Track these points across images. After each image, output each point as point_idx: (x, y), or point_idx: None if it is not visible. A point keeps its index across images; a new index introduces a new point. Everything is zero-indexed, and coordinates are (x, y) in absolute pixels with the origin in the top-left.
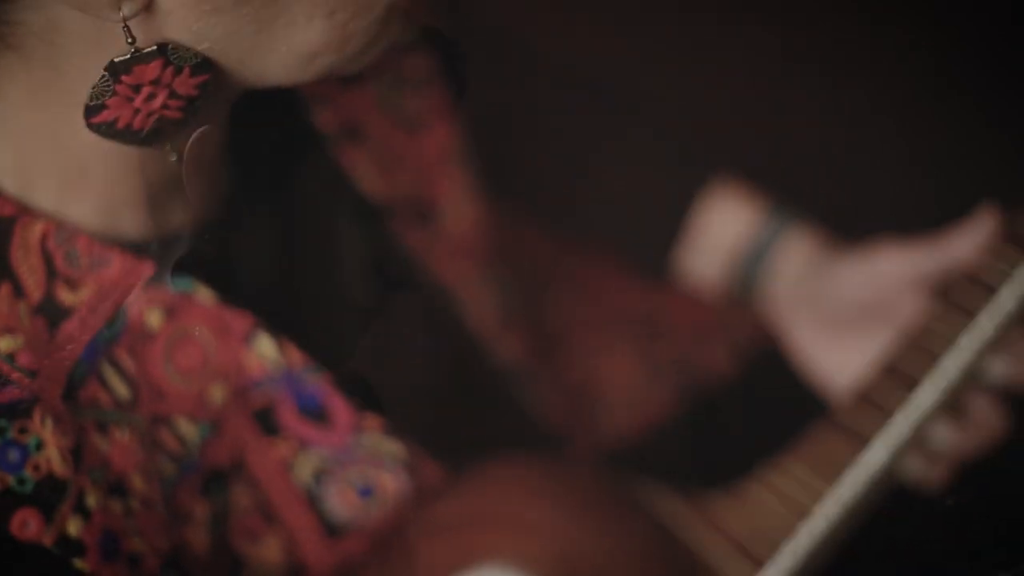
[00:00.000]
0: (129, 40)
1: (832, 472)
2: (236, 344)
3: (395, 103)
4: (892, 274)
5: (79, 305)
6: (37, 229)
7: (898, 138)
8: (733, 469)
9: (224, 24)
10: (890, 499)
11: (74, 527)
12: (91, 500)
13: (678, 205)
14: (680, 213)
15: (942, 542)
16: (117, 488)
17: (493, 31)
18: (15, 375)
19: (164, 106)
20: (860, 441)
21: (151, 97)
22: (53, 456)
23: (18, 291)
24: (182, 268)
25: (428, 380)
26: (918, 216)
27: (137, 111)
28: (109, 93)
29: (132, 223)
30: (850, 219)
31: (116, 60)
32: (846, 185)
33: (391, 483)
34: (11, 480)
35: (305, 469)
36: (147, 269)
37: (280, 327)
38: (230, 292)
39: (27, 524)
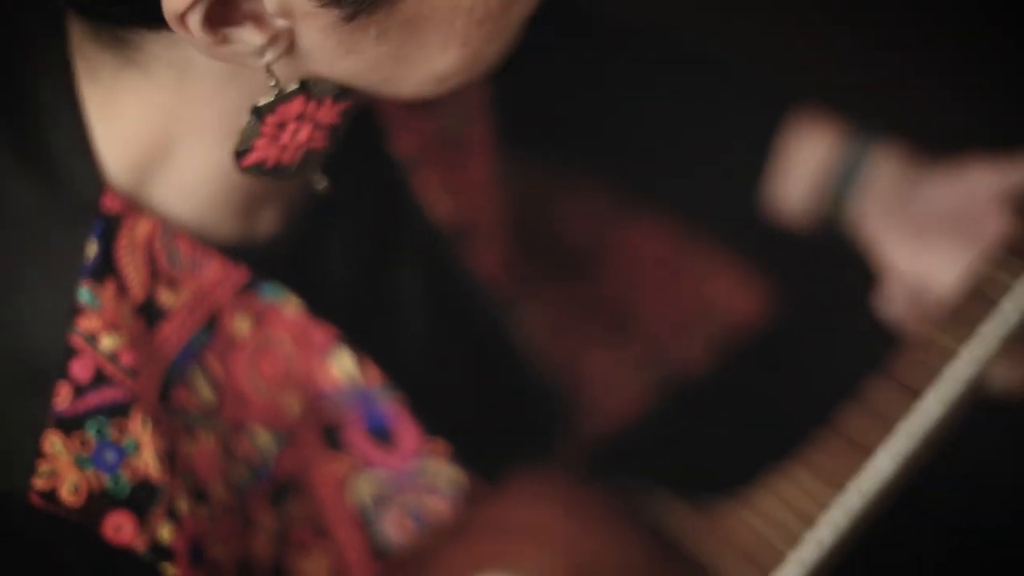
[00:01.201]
0: (272, 83)
1: (838, 480)
2: (316, 356)
3: (453, 128)
4: (980, 187)
5: (178, 307)
6: (144, 227)
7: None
8: (712, 462)
9: (363, 60)
10: (895, 507)
11: (166, 532)
12: (182, 505)
13: (763, 135)
14: (766, 143)
15: (947, 551)
16: (201, 494)
17: None
18: (117, 374)
19: (310, 138)
20: (865, 449)
21: (296, 132)
22: (149, 459)
23: (122, 289)
24: (274, 276)
25: (473, 388)
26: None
27: (285, 148)
28: (256, 135)
29: (229, 228)
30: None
31: (260, 104)
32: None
33: (445, 509)
34: (107, 480)
35: (363, 489)
36: (242, 275)
37: (360, 343)
38: (315, 304)
39: (120, 527)
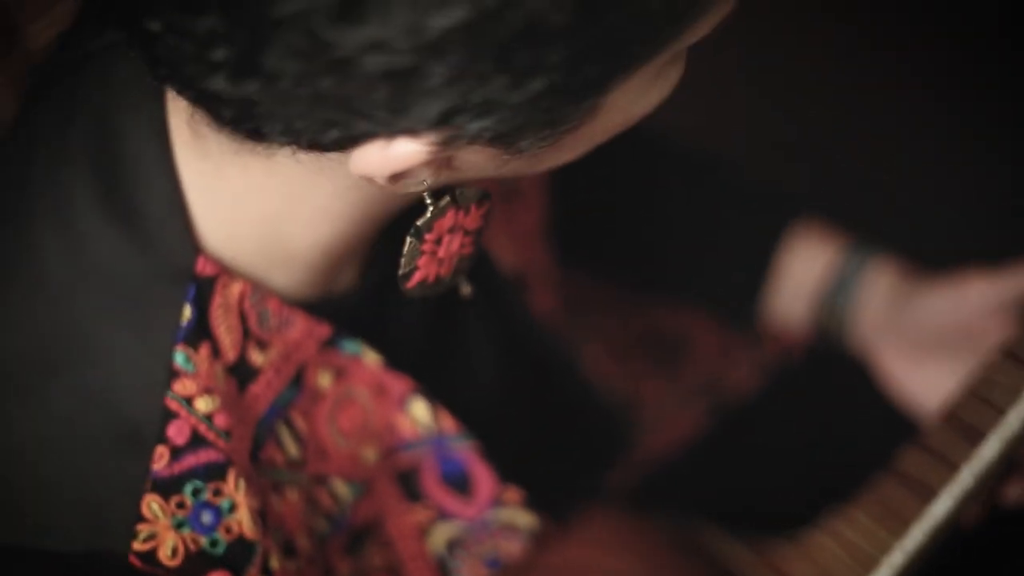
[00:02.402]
0: (428, 202)
1: (898, 522)
2: (393, 407)
3: (509, 179)
4: (976, 302)
5: (266, 366)
6: (236, 289)
7: (973, 175)
8: (764, 495)
9: (514, 168)
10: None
11: None
12: (274, 562)
13: (761, 251)
14: (764, 259)
15: None
16: (289, 548)
17: None
18: (212, 436)
19: (461, 246)
20: (927, 492)
21: (451, 244)
22: (244, 518)
23: (216, 352)
24: (353, 331)
25: (542, 432)
26: (999, 250)
27: (442, 261)
28: (418, 255)
29: (314, 287)
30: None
31: (419, 224)
32: (922, 224)
33: (518, 553)
34: (204, 542)
35: (440, 538)
36: (324, 331)
37: (434, 392)
38: (390, 355)
39: None
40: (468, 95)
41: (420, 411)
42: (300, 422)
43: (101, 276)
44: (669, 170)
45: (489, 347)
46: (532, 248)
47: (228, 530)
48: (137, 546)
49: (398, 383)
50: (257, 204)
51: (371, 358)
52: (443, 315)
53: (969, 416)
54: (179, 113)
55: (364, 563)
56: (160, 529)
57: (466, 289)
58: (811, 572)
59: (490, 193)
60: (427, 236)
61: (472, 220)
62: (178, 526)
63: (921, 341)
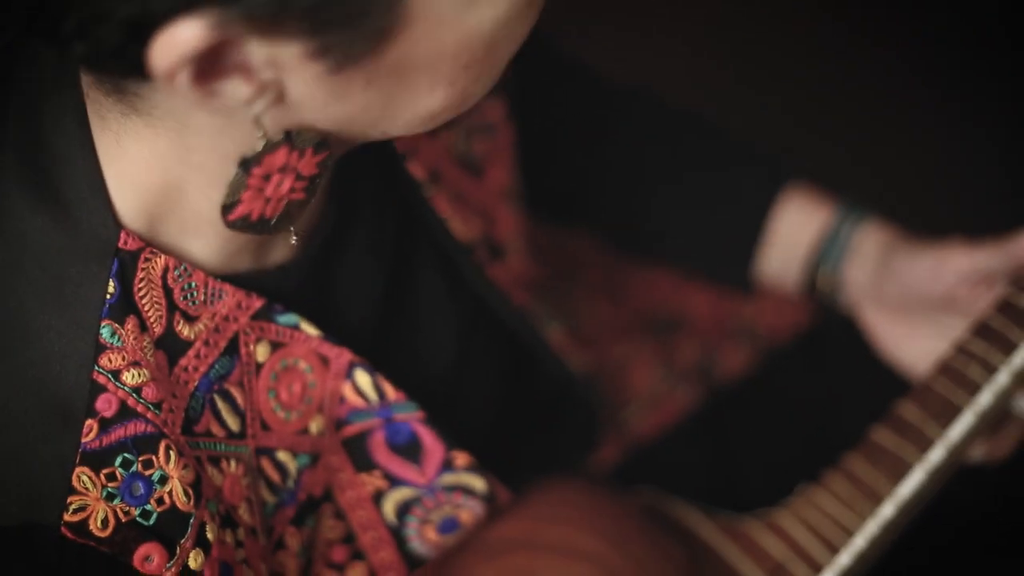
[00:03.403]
0: (260, 134)
1: (869, 499)
2: (335, 378)
3: (463, 149)
4: (956, 271)
5: (195, 339)
6: (159, 263)
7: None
8: (745, 474)
9: (353, 106)
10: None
11: (195, 561)
12: (209, 533)
13: (754, 213)
14: (756, 221)
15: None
16: (228, 519)
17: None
18: (141, 408)
19: (291, 190)
20: (900, 467)
21: (280, 184)
22: (176, 490)
23: (142, 325)
24: (288, 302)
25: (498, 398)
26: (984, 218)
27: (268, 200)
28: (243, 187)
29: (241, 258)
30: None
31: (248, 156)
32: (914, 187)
33: (470, 517)
34: (135, 513)
35: (392, 506)
36: (256, 302)
37: (377, 362)
38: (331, 327)
39: (149, 558)
40: None
41: (363, 381)
42: (238, 394)
43: (31, 259)
44: (663, 128)
45: (450, 320)
46: (497, 213)
47: (160, 501)
48: (68, 517)
49: (338, 354)
50: (160, 173)
51: (308, 329)
52: (396, 286)
53: (944, 391)
54: (91, 94)
55: (316, 535)
56: (91, 500)
57: (292, 239)
58: (781, 547)
59: (333, 140)
60: (255, 170)
61: (307, 165)
62: (108, 497)
63: (907, 305)
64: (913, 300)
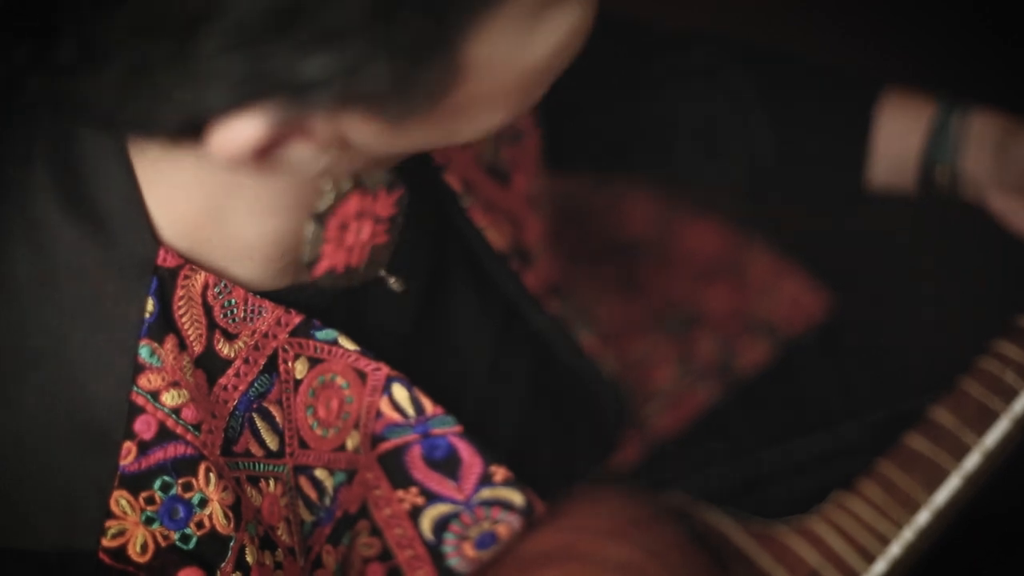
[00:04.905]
0: (328, 188)
1: (904, 507)
2: (372, 393)
3: (490, 157)
4: None
5: (235, 357)
6: (199, 280)
7: None
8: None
9: (415, 139)
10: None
11: None
12: (249, 556)
13: (857, 126)
14: (861, 133)
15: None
16: (267, 541)
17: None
18: (180, 430)
19: (372, 234)
20: (936, 474)
21: (359, 231)
22: (216, 513)
23: (181, 344)
24: (326, 318)
25: (532, 408)
26: (984, 218)
27: (350, 249)
28: (321, 242)
29: (281, 275)
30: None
31: (320, 211)
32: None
33: (507, 531)
34: (175, 537)
35: (430, 522)
36: (295, 318)
37: (414, 376)
38: (368, 341)
39: None
40: (256, 64)
41: (400, 396)
42: (276, 412)
43: (66, 274)
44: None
45: (484, 331)
46: (528, 218)
47: (200, 525)
48: (106, 543)
49: (375, 369)
50: (201, 198)
51: (345, 345)
52: (431, 301)
53: (980, 396)
54: None
55: (353, 552)
56: (129, 525)
57: (393, 282)
58: (815, 555)
59: (402, 178)
60: (330, 222)
61: (383, 207)
62: (148, 521)
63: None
64: None
